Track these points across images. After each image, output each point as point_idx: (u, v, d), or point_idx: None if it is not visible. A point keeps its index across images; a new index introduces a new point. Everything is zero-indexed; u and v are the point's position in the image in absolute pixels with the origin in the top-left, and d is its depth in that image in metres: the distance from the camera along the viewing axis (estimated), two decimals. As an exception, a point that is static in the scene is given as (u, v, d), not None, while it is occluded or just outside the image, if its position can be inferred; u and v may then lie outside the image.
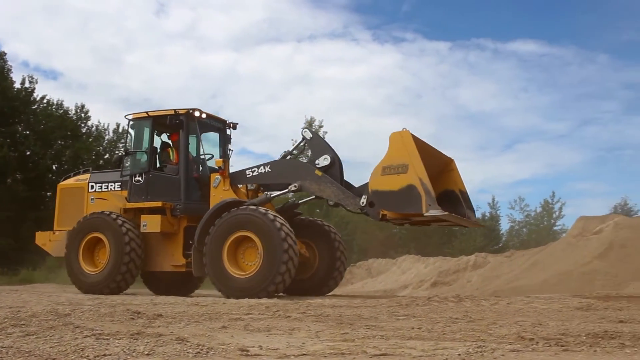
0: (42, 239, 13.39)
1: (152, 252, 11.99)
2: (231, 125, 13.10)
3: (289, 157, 12.87)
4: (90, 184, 12.91)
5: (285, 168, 11.29)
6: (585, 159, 65.33)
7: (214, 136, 13.15)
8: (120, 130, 35.82)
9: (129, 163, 12.52)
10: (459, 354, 3.69)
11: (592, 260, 12.89)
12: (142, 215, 11.84)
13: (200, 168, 12.40)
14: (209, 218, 10.79)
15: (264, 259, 10.10)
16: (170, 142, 12.63)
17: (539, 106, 69.86)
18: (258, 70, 68.69)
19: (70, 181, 13.50)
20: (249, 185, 11.95)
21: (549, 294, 9.10)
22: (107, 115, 62.38)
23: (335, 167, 10.96)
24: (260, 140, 71.33)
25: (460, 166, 10.96)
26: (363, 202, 10.13)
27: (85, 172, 13.59)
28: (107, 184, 12.74)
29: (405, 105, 73.41)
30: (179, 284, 13.19)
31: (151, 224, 11.69)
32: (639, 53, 63.70)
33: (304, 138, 11.52)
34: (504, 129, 67.22)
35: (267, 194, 11.54)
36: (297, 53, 70.04)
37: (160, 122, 12.22)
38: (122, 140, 33.30)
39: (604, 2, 63.61)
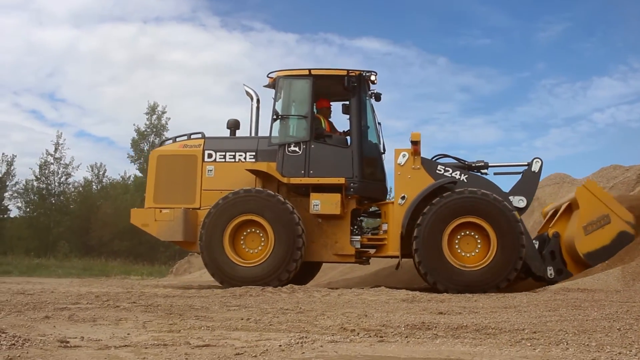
0: (142, 217, 10.83)
1: (308, 239, 10.12)
2: (374, 95, 11.11)
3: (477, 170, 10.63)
4: (206, 151, 10.80)
5: (483, 188, 9.79)
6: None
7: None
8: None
9: (278, 129, 10.54)
10: (280, 345, 3.76)
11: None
12: (313, 194, 10.02)
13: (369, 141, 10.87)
14: (422, 200, 9.63)
15: (498, 249, 9.25)
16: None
17: (381, 104, 72.47)
18: (100, 50, 65.36)
19: (174, 147, 11.11)
20: None
21: (381, 286, 9.46)
22: None
23: (524, 212, 10.14)
24: (100, 123, 68.31)
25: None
26: (551, 274, 9.55)
27: (192, 136, 11.18)
28: (232, 153, 10.73)
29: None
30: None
31: (327, 204, 9.89)
32: (473, 58, 68.11)
33: (528, 167, 10.16)
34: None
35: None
36: (142, 34, 67.49)
37: (323, 83, 10.58)
38: None
39: (444, 8, 67.36)
